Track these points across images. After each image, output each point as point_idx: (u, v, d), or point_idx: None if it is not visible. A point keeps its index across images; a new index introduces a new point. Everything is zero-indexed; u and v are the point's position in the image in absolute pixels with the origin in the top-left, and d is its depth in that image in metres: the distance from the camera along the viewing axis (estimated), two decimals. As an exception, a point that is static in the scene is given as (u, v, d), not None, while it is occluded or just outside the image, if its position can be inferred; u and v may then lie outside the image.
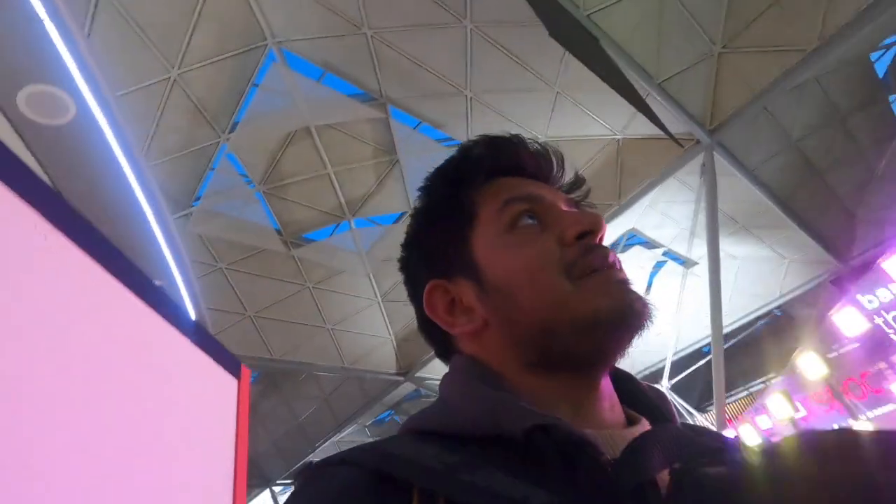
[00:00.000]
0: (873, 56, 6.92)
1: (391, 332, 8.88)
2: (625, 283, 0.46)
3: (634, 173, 6.35)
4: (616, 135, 6.10)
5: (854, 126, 7.30)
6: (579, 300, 0.44)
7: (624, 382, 0.51)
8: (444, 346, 0.54)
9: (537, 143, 0.56)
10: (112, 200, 2.80)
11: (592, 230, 0.48)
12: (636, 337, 0.45)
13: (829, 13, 5.10)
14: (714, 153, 5.99)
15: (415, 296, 0.55)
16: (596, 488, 0.35)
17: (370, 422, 12.71)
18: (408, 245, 0.57)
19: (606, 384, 0.47)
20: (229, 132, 5.44)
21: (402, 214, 7.21)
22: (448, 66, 5.16)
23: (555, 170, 0.56)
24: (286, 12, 4.57)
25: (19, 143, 2.46)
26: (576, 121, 5.83)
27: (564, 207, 0.52)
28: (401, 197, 6.95)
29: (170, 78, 4.61)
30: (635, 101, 4.23)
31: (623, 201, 6.51)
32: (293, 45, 4.86)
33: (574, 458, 0.37)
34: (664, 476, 0.36)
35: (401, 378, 9.35)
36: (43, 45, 2.30)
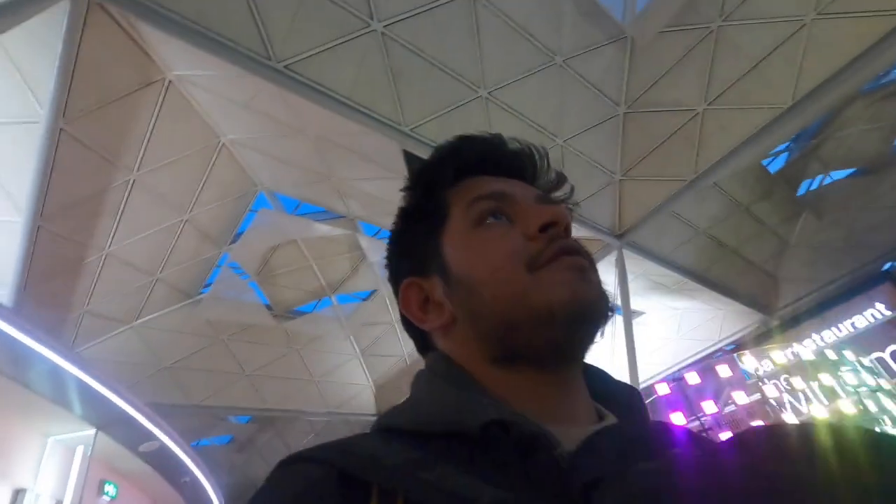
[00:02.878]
0: (765, 162, 8.29)
1: (370, 381, 10.28)
2: (581, 270, 0.45)
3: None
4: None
5: (759, 211, 8.67)
6: (536, 292, 0.44)
7: (596, 379, 0.50)
8: (421, 342, 0.55)
9: (517, 140, 0.55)
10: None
11: (554, 221, 0.47)
12: (595, 329, 0.44)
13: (700, 152, 6.49)
14: (624, 251, 7.36)
15: (395, 292, 0.55)
16: (548, 483, 0.35)
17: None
18: (390, 245, 0.58)
19: (575, 379, 0.47)
20: (230, 244, 6.89)
21: (374, 291, 8.64)
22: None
23: (536, 167, 0.55)
24: (270, 173, 6.01)
25: None
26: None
27: (535, 203, 0.51)
28: (372, 278, 8.37)
29: (183, 219, 6.06)
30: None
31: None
32: (278, 191, 6.31)
33: (530, 453, 0.37)
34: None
35: (377, 417, 10.74)
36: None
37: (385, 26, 4.48)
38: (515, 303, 0.44)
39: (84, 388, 4.45)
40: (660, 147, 6.56)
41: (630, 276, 7.75)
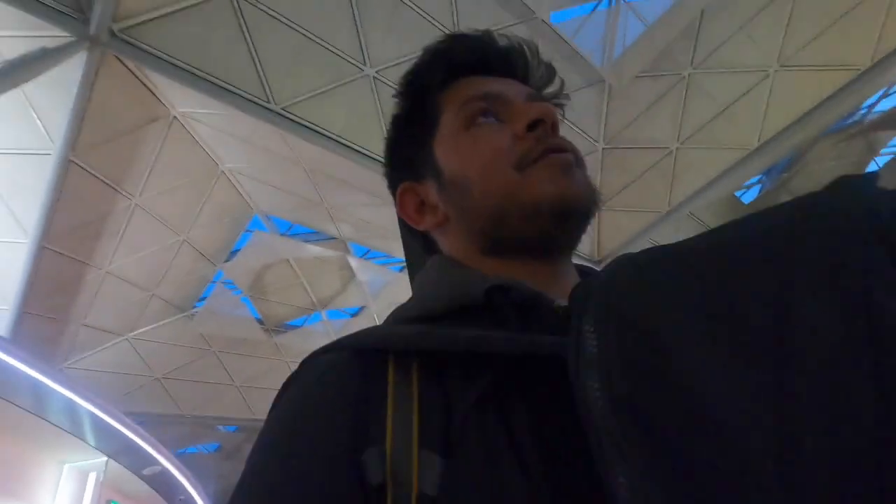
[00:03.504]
0: (738, 193, 8.72)
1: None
2: (567, 166, 0.46)
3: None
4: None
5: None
6: (524, 188, 0.45)
7: (588, 276, 0.50)
8: (422, 247, 0.56)
9: (507, 37, 0.54)
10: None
11: (541, 118, 0.47)
12: (581, 222, 0.46)
13: (674, 186, 6.88)
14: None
15: (395, 201, 0.56)
16: (549, 331, 0.36)
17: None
18: (385, 153, 0.58)
19: (566, 269, 0.48)
20: (225, 261, 7.18)
21: (363, 308, 8.94)
22: (391, 218, 6.89)
23: (528, 65, 0.54)
24: (266, 199, 6.33)
25: None
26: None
27: (525, 102, 0.50)
28: (361, 295, 8.67)
29: (181, 239, 6.34)
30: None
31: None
32: (272, 214, 6.62)
33: (530, 312, 0.39)
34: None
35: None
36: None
37: (377, 71, 4.83)
38: (503, 199, 0.46)
39: (97, 421, 4.99)
40: (637, 181, 6.95)
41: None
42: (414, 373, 0.37)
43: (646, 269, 0.32)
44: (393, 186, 0.56)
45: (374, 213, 6.58)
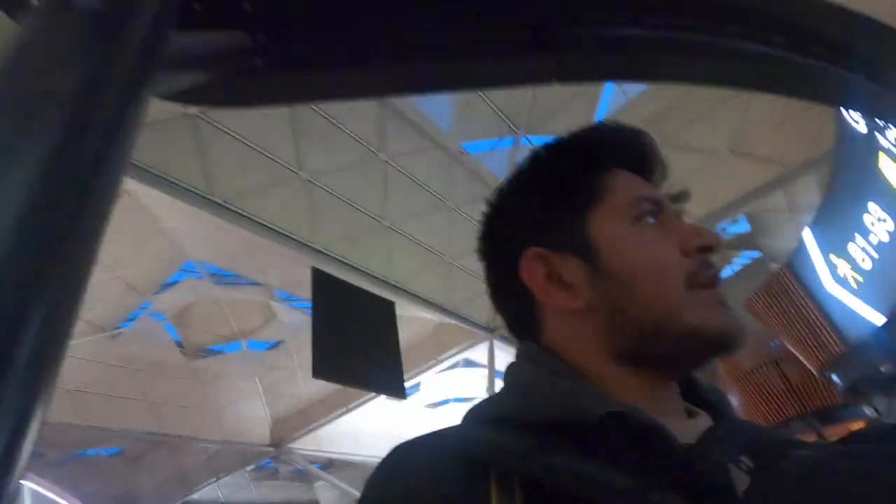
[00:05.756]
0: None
1: (268, 416, 11.22)
2: (728, 306, 0.47)
3: (447, 345, 9.25)
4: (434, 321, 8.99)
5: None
6: (693, 310, 0.45)
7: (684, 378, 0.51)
8: (521, 315, 0.53)
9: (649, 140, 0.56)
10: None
11: (712, 246, 0.48)
12: (727, 356, 0.47)
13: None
14: (495, 342, 8.96)
15: (499, 256, 0.55)
16: (670, 473, 0.35)
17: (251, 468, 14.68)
18: (507, 203, 0.56)
19: (676, 393, 0.49)
20: (154, 293, 7.76)
21: (280, 342, 9.73)
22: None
23: (664, 174, 0.56)
24: (201, 251, 7.05)
25: None
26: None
27: (676, 216, 0.52)
28: (280, 330, 9.44)
29: (113, 276, 6.91)
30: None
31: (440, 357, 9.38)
32: (206, 262, 7.34)
33: (647, 445, 0.38)
34: (735, 469, 0.38)
35: (271, 448, 11.65)
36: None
37: (311, 176, 5.78)
38: (670, 313, 0.45)
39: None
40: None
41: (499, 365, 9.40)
42: (518, 496, 0.37)
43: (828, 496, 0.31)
44: (504, 243, 0.55)
45: (300, 272, 7.47)
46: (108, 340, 8.19)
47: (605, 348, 0.48)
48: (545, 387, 0.45)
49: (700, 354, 0.47)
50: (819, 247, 4.49)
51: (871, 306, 4.08)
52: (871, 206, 4.01)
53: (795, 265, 4.55)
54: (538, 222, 0.53)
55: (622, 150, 0.55)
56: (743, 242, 9.86)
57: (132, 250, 6.61)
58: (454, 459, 0.39)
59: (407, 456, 0.42)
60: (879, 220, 3.92)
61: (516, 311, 0.55)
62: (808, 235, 4.72)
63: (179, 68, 0.49)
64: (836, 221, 4.23)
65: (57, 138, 0.30)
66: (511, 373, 0.50)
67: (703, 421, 0.47)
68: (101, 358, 8.34)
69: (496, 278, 0.56)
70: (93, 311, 7.59)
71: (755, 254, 10.09)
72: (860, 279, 4.15)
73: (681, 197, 0.56)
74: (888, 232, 3.88)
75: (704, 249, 0.48)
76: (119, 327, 8.27)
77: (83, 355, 8.18)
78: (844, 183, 4.46)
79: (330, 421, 10.71)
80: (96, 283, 6.94)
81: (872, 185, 3.99)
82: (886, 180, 3.83)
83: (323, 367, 5.24)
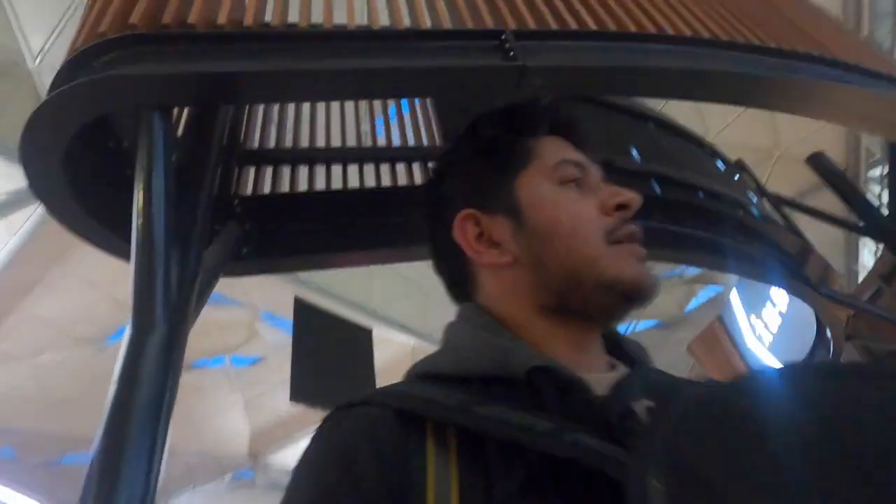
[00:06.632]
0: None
1: (248, 429, 11.51)
2: (644, 259, 0.51)
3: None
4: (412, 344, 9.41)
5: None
6: (609, 262, 0.49)
7: (608, 334, 0.55)
8: (458, 275, 0.57)
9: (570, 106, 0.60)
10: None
11: (630, 205, 0.52)
12: (639, 307, 0.50)
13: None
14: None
15: (438, 219, 0.58)
16: (588, 420, 0.40)
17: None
18: (445, 171, 0.61)
19: (599, 344, 0.53)
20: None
21: (262, 357, 10.06)
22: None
23: (589, 141, 0.60)
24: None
25: None
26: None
27: (603, 181, 0.56)
28: (263, 346, 9.80)
29: (105, 295, 7.24)
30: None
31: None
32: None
33: (568, 396, 0.42)
34: (642, 411, 0.42)
35: (249, 459, 11.93)
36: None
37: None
38: (587, 265, 0.49)
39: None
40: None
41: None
42: (452, 445, 0.40)
43: (724, 426, 0.32)
44: (441, 206, 0.58)
45: (286, 297, 7.88)
46: (97, 353, 8.46)
47: (533, 303, 0.51)
48: (478, 344, 0.49)
49: (615, 304, 0.50)
50: (743, 306, 4.98)
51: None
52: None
53: (725, 320, 5.04)
54: (472, 186, 0.57)
55: (549, 117, 0.59)
56: (705, 277, 10.46)
57: (123, 272, 6.95)
58: (392, 414, 0.42)
59: (347, 413, 0.45)
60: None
61: (453, 272, 0.59)
62: (734, 296, 5.21)
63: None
64: (755, 286, 4.65)
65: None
66: (448, 332, 0.55)
67: (622, 372, 0.50)
68: (88, 369, 8.59)
69: (435, 241, 0.60)
70: (83, 327, 7.90)
71: (718, 288, 10.70)
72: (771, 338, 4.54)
73: (609, 163, 0.64)
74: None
75: (622, 207, 0.52)
76: (107, 341, 8.55)
77: (72, 367, 8.45)
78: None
79: (308, 434, 10.98)
80: (89, 302, 7.29)
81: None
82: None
83: (301, 391, 5.60)
